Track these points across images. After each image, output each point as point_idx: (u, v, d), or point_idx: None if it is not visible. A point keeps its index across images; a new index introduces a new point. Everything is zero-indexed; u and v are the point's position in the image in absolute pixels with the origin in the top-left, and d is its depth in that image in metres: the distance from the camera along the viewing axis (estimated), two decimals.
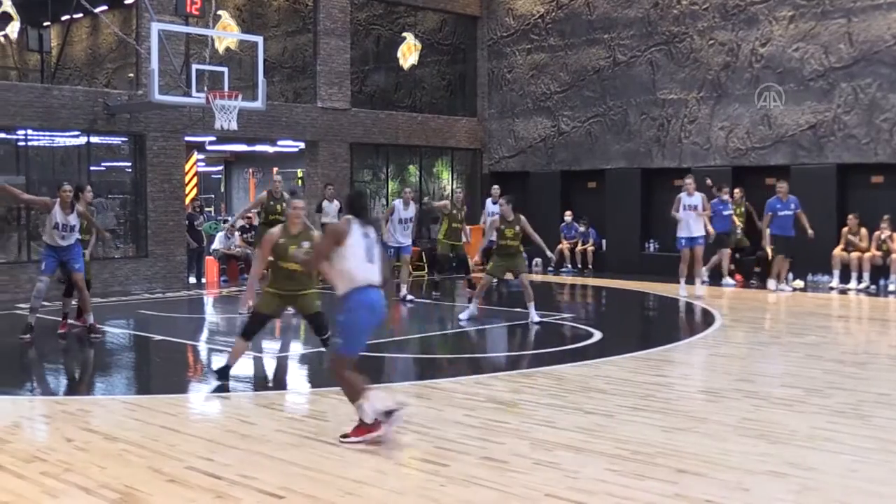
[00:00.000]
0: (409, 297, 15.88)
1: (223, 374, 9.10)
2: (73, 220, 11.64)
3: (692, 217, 16.06)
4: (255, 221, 18.87)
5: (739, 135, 19.25)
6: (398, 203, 16.36)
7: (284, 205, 13.16)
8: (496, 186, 19.01)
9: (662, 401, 8.10)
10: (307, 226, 9.46)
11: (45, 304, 12.41)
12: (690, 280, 16.28)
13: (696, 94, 19.86)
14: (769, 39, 18.74)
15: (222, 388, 8.92)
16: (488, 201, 18.87)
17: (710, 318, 13.55)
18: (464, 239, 17.01)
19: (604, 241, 21.58)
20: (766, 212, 16.82)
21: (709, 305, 14.88)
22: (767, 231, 16.79)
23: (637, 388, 8.60)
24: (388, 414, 6.66)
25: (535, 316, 12.85)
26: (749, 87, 19.02)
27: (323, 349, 9.52)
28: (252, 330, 9.05)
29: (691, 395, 8.50)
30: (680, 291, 16.09)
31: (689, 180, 16.37)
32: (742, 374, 9.59)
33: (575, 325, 13.20)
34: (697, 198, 16.13)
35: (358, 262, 6.69)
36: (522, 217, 13.22)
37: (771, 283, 16.94)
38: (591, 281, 19.58)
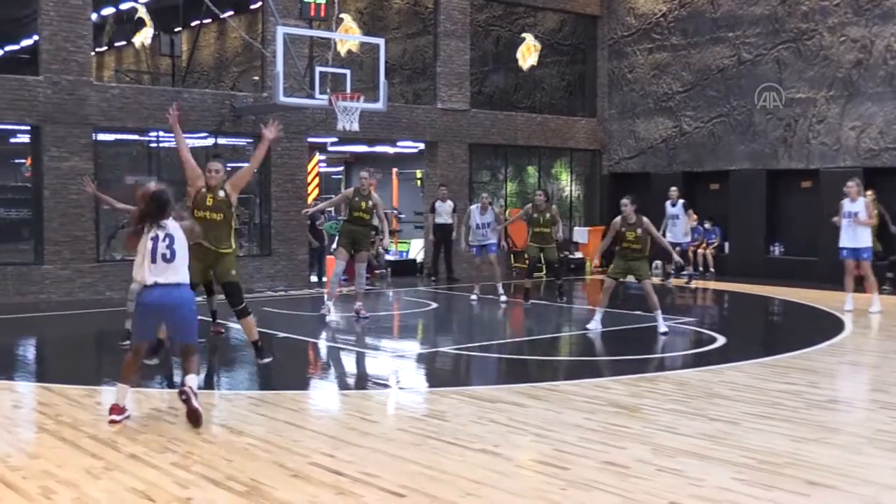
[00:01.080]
0: (503, 297, 15.89)
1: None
2: None
3: (851, 225, 14.46)
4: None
5: (872, 135, 18.52)
6: (475, 208, 16.39)
7: (370, 202, 13.53)
8: (674, 188, 18.92)
9: (790, 409, 7.84)
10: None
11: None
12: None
13: (825, 93, 19.21)
14: None
15: (344, 385, 9.03)
16: (667, 203, 18.88)
17: (839, 325, 13.07)
18: (558, 235, 16.39)
19: (726, 244, 21.08)
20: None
21: (838, 312, 14.35)
22: None
23: (763, 396, 8.35)
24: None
25: (662, 325, 12.17)
26: (884, 85, 18.29)
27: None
28: None
29: (821, 404, 8.19)
30: (845, 306, 14.39)
31: (851, 184, 14.69)
32: (875, 383, 9.22)
33: (698, 329, 12.92)
34: (860, 203, 14.48)
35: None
36: (645, 219, 12.40)
37: None
38: (714, 284, 19.14)
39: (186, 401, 7.23)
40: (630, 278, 12.75)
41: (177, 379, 9.87)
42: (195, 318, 7.59)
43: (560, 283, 16.53)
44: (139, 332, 7.64)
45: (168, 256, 7.20)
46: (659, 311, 12.32)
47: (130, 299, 10.77)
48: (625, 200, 12.62)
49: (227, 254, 9.62)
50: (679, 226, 18.83)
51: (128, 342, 10.81)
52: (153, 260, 7.17)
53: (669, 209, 18.78)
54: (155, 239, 7.18)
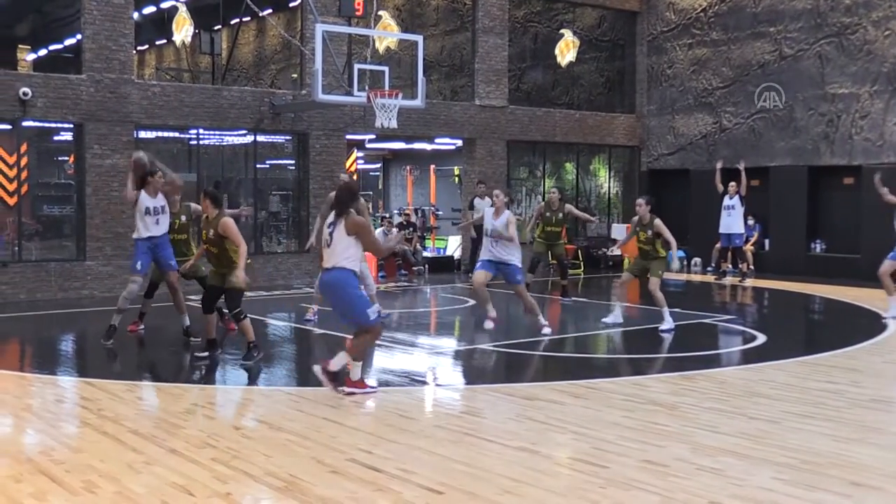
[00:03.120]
0: (547, 328, 15.28)
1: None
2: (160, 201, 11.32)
3: None
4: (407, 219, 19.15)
5: None
6: (487, 209, 16.15)
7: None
8: (733, 183, 18.65)
9: (833, 408, 7.74)
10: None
11: (191, 298, 12.77)
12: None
13: (868, 88, 18.93)
14: None
15: (383, 383, 9.05)
16: (725, 196, 18.76)
17: (881, 324, 12.89)
18: (592, 226, 16.21)
19: (766, 241, 20.86)
20: None
21: (882, 310, 14.14)
22: None
23: (805, 395, 8.26)
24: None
25: (666, 323, 12.02)
26: None
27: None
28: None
29: (864, 403, 8.08)
30: (889, 311, 13.55)
31: None
32: None
33: (738, 326, 12.80)
34: None
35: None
36: (658, 221, 12.31)
37: None
38: (754, 282, 18.96)
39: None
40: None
41: (222, 374, 9.96)
42: (357, 298, 8.05)
43: (565, 282, 16.08)
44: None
45: (328, 242, 7.92)
46: (665, 309, 12.12)
47: (126, 297, 11.09)
48: (640, 200, 12.68)
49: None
50: (734, 217, 18.63)
51: (111, 341, 10.94)
52: (328, 245, 7.88)
53: (726, 200, 18.68)
54: (331, 225, 7.90)
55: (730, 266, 20.87)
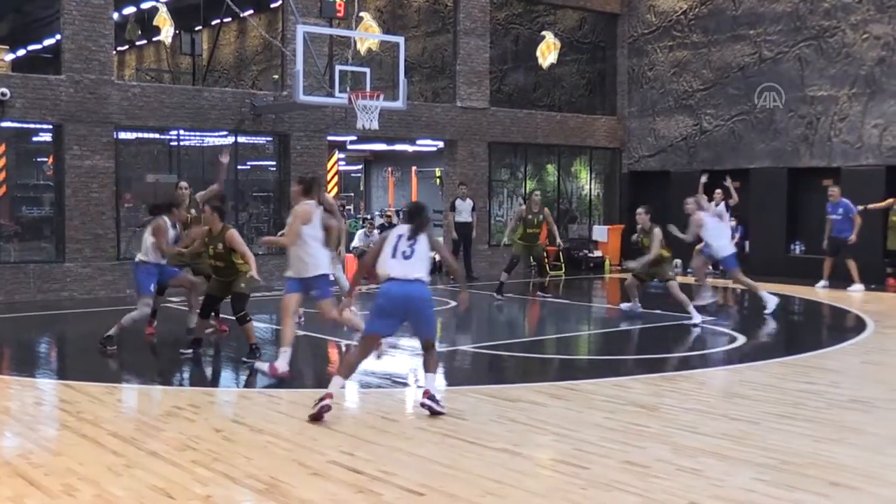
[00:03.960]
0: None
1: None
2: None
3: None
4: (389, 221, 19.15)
5: (895, 132, 18.37)
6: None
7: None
8: (718, 190, 18.20)
9: (812, 409, 7.79)
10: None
11: (173, 299, 12.75)
12: None
13: (847, 91, 19.06)
14: None
15: (363, 384, 9.04)
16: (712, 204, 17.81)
17: (861, 324, 12.98)
18: (558, 241, 16.49)
19: (746, 243, 20.96)
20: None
21: (861, 311, 14.25)
22: None
23: (784, 395, 8.31)
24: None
25: (694, 317, 12.80)
26: None
27: None
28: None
29: (843, 404, 8.13)
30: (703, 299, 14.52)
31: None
32: None
33: (717, 328, 12.86)
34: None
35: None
36: (657, 230, 13.36)
37: None
38: (734, 283, 19.00)
39: (427, 407, 7.61)
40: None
41: (203, 376, 9.92)
42: (434, 314, 7.98)
43: (545, 280, 16.79)
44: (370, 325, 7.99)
45: (406, 254, 7.74)
46: (689, 305, 12.99)
47: (136, 319, 10.99)
48: (640, 210, 13.67)
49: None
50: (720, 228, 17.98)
51: (114, 347, 10.78)
52: (393, 255, 7.71)
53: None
54: (399, 237, 7.79)
55: (710, 267, 20.94)
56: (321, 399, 7.39)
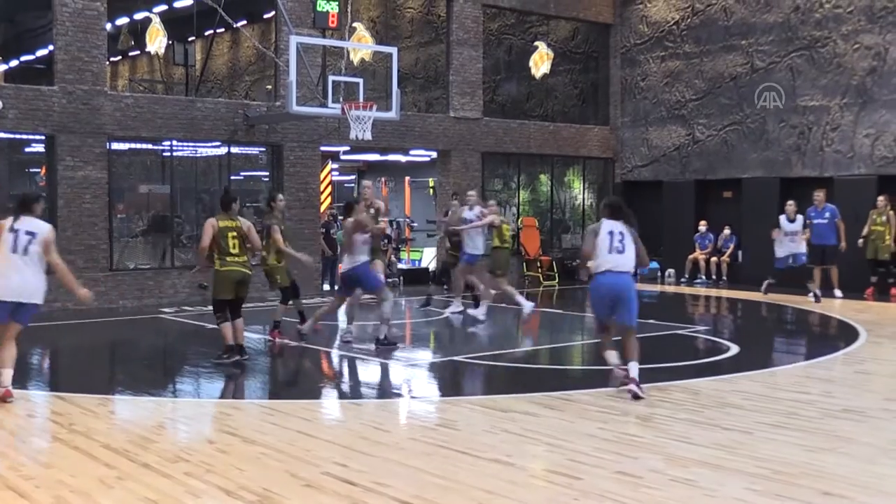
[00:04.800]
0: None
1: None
2: None
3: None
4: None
5: (886, 142, 18.45)
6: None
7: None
8: (791, 203, 17.34)
9: (804, 419, 7.80)
10: None
11: (189, 308, 12.78)
12: None
13: (839, 101, 19.14)
14: None
15: (356, 395, 9.03)
16: (782, 218, 17.20)
17: (853, 334, 13.00)
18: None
19: (739, 252, 21.01)
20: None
21: (852, 320, 14.28)
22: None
23: (777, 405, 8.32)
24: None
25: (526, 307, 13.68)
26: None
27: None
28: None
29: (835, 413, 8.14)
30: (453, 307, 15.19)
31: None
32: (890, 393, 9.17)
33: (710, 338, 12.87)
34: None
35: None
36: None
37: None
38: (727, 293, 19.08)
39: (631, 392, 8.48)
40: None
41: (196, 388, 9.90)
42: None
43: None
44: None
45: (620, 249, 8.62)
46: (517, 295, 14.15)
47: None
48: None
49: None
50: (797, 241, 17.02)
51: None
52: (609, 250, 8.59)
53: (787, 226, 17.05)
54: (610, 233, 8.64)
55: (703, 277, 21.02)
56: (625, 383, 8.60)
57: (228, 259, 10.50)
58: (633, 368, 8.60)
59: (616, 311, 8.76)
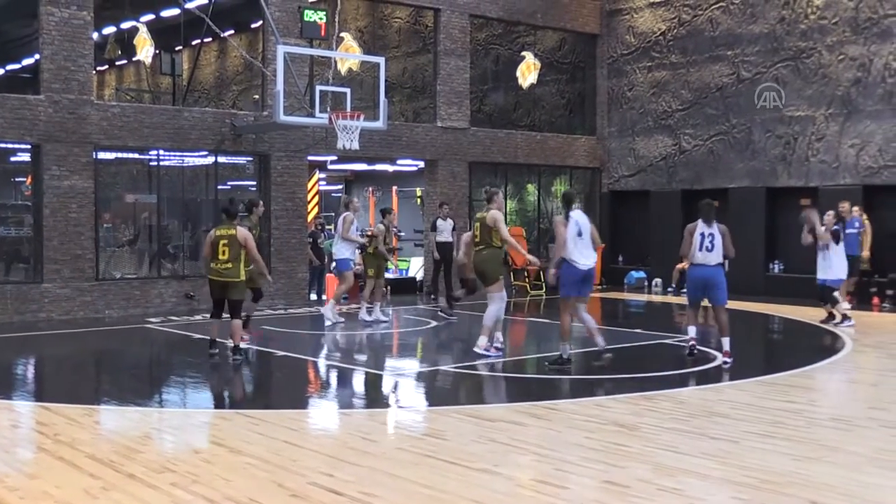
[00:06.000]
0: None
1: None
2: None
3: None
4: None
5: (871, 152, 18.56)
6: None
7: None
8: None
9: (791, 428, 7.82)
10: None
11: (175, 318, 12.74)
12: None
13: (824, 111, 19.25)
14: None
15: (343, 404, 9.01)
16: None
17: (839, 343, 13.05)
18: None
19: (726, 262, 21.02)
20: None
21: (838, 329, 14.32)
22: None
23: (764, 414, 8.33)
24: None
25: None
26: (883, 103, 18.34)
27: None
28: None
29: (822, 422, 8.17)
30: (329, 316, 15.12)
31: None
32: (875, 401, 9.19)
33: (697, 347, 12.88)
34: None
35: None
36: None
37: None
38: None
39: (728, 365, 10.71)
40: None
41: (182, 398, 9.85)
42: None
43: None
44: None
45: (709, 247, 11.01)
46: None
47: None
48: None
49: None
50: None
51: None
52: (700, 249, 10.99)
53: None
54: (702, 235, 11.06)
55: None
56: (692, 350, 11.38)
57: (213, 265, 11.29)
58: (727, 342, 11.06)
59: (707, 295, 11.35)
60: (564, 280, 10.84)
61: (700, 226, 11.02)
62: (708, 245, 11.00)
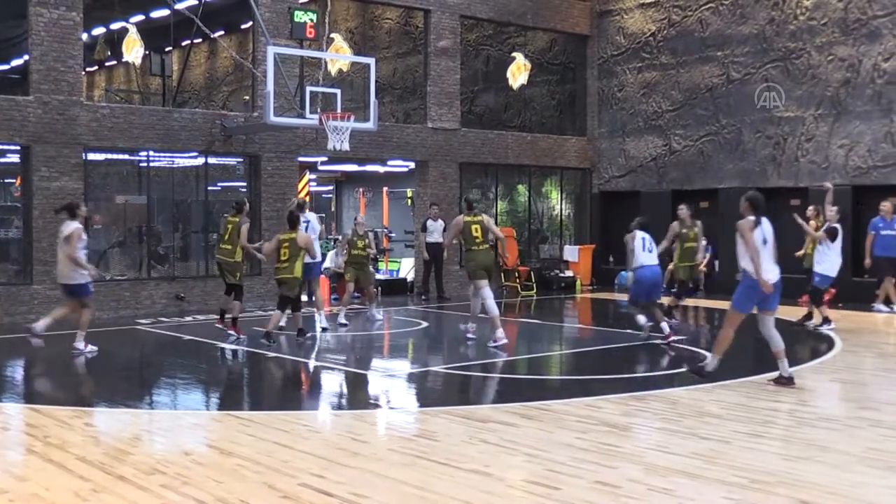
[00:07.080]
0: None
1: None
2: None
3: None
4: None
5: (860, 153, 18.63)
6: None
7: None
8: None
9: (781, 427, 7.84)
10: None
11: (165, 319, 12.72)
12: None
13: (813, 112, 19.31)
14: (893, 54, 18.12)
15: (334, 405, 9.01)
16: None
17: (829, 343, 13.09)
18: (700, 257, 15.58)
19: (716, 262, 21.10)
20: (869, 231, 16.58)
21: (828, 329, 14.36)
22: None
23: (754, 414, 8.35)
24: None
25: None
26: (871, 103, 18.40)
27: None
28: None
29: (812, 422, 8.20)
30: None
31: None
32: (865, 401, 9.23)
33: (687, 347, 12.92)
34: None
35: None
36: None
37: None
38: (703, 302, 19.15)
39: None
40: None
41: (172, 399, 9.83)
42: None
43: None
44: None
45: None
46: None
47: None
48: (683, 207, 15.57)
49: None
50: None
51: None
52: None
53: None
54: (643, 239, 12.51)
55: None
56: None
57: (275, 265, 13.32)
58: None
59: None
60: (744, 293, 10.08)
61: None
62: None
